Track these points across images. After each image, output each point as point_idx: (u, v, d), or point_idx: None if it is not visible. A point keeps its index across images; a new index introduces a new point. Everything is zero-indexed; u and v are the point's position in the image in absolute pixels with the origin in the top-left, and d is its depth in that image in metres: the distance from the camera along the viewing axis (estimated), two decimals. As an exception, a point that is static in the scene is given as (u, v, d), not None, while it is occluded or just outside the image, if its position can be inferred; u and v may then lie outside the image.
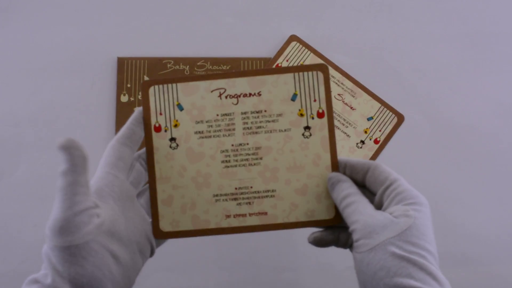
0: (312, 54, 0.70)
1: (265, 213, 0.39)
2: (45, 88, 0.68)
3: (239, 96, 0.39)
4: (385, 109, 0.70)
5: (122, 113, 0.67)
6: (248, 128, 0.39)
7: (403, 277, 0.30)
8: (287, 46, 0.70)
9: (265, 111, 0.39)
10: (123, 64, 0.68)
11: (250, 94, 0.39)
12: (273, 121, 0.39)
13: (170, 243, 0.65)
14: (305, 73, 0.39)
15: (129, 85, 0.68)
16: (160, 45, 0.69)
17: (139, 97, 0.68)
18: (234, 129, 0.39)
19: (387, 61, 0.71)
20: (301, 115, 0.39)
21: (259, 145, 0.39)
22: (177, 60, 0.69)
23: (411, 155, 0.69)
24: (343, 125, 0.69)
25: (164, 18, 0.70)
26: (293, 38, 0.70)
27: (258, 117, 0.39)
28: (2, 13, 0.68)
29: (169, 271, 0.66)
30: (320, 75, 0.39)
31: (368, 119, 0.69)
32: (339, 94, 0.70)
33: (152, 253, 0.38)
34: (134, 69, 0.68)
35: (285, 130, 0.39)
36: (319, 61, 0.70)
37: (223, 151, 0.39)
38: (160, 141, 0.39)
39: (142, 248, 0.36)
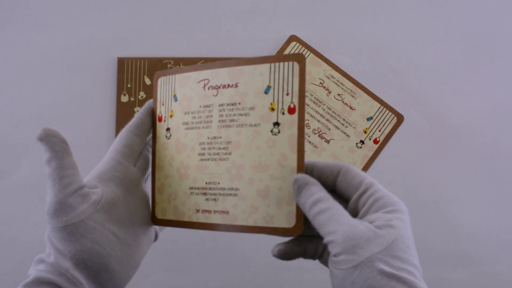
0: (312, 54, 0.70)
1: (227, 212, 0.36)
2: (45, 88, 0.68)
3: (219, 87, 0.37)
4: (385, 109, 0.70)
5: (122, 113, 0.67)
6: (222, 121, 0.37)
7: None
8: (287, 46, 0.70)
9: (239, 103, 0.36)
10: (123, 64, 0.68)
11: (228, 86, 0.37)
12: (245, 114, 0.36)
13: (169, 242, 0.65)
14: (281, 64, 0.35)
15: (129, 85, 0.68)
16: (160, 45, 0.69)
17: (139, 97, 0.68)
18: (211, 121, 0.37)
19: (387, 61, 0.71)
20: (272, 109, 0.35)
21: (230, 140, 0.36)
22: (177, 60, 0.69)
23: (411, 155, 0.69)
24: (343, 125, 0.69)
25: (164, 18, 0.70)
26: (293, 38, 0.70)
27: (232, 109, 0.36)
28: (3, 13, 0.68)
29: (169, 271, 0.66)
30: (296, 66, 0.35)
31: (368, 119, 0.70)
32: (338, 94, 0.70)
33: (156, 237, 0.40)
34: (134, 69, 0.68)
35: (255, 125, 0.36)
36: (319, 61, 0.70)
37: (200, 143, 0.37)
38: (160, 130, 0.39)
39: (146, 232, 0.37)
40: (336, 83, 0.70)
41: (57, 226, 0.32)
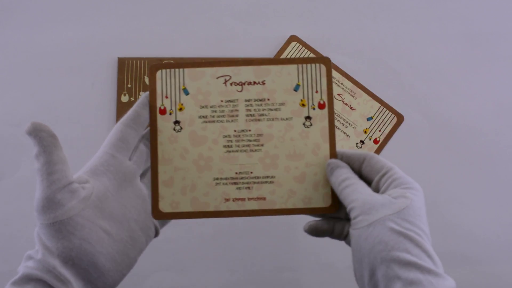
0: (312, 54, 0.70)
1: (264, 198, 0.39)
2: (45, 88, 0.68)
3: (244, 84, 0.40)
4: (385, 109, 0.70)
5: (122, 113, 0.67)
6: (251, 115, 0.40)
7: (400, 251, 0.31)
8: (287, 46, 0.70)
9: (268, 99, 0.40)
10: (123, 64, 0.68)
11: (254, 83, 0.40)
12: (275, 109, 0.40)
13: (169, 242, 0.65)
14: (308, 65, 0.40)
15: (129, 85, 0.68)
16: (160, 45, 0.69)
17: (140, 97, 0.68)
18: (237, 115, 0.40)
19: (387, 61, 0.71)
20: (303, 105, 0.40)
21: (261, 132, 0.40)
22: (177, 60, 0.69)
23: (411, 155, 0.69)
24: (343, 125, 0.69)
25: (164, 18, 0.70)
26: (293, 38, 0.70)
27: (261, 105, 0.40)
28: (2, 13, 0.68)
29: (169, 271, 0.66)
30: (323, 67, 0.40)
31: (368, 119, 0.70)
32: (339, 94, 0.70)
33: (156, 233, 0.39)
34: (134, 69, 0.68)
35: (286, 119, 0.40)
36: (319, 61, 0.70)
37: (225, 136, 0.40)
38: (164, 123, 0.40)
39: (143, 227, 0.37)
40: (336, 83, 0.70)
41: (45, 223, 0.32)
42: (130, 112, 0.39)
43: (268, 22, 0.71)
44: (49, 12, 0.69)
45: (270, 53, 0.70)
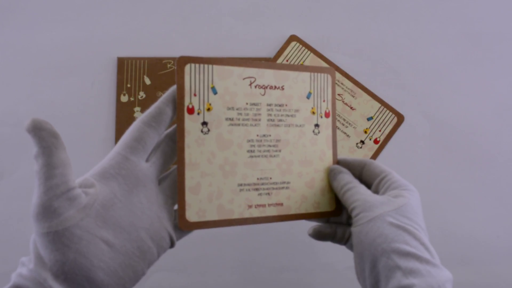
0: (312, 54, 0.70)
1: (281, 204, 0.40)
2: (45, 88, 0.68)
3: (266, 87, 0.40)
4: (385, 109, 0.70)
5: (122, 113, 0.67)
6: (271, 120, 0.40)
7: (400, 243, 0.33)
8: (287, 46, 0.70)
9: (286, 105, 0.40)
10: (123, 64, 0.68)
11: (275, 87, 0.40)
12: (291, 115, 0.41)
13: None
14: (318, 74, 0.42)
15: (129, 85, 0.68)
16: (160, 45, 0.69)
17: (139, 97, 0.68)
18: (260, 120, 0.39)
19: (387, 61, 0.71)
20: (313, 113, 0.41)
21: (279, 138, 0.40)
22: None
23: (411, 155, 0.69)
24: (343, 125, 0.69)
25: (164, 18, 0.70)
26: (293, 38, 0.70)
27: (280, 110, 0.40)
28: (2, 13, 0.68)
29: (169, 271, 0.66)
30: (329, 78, 0.42)
31: (368, 119, 0.69)
32: (339, 94, 0.70)
33: (172, 244, 0.36)
34: (134, 69, 0.68)
35: (300, 126, 0.41)
36: (319, 61, 0.70)
37: (249, 141, 0.39)
38: (192, 124, 0.36)
39: (155, 237, 0.34)
40: (336, 83, 0.70)
41: (40, 232, 0.29)
42: (152, 108, 0.35)
43: (268, 22, 0.70)
44: (49, 12, 0.69)
45: (270, 53, 0.70)
